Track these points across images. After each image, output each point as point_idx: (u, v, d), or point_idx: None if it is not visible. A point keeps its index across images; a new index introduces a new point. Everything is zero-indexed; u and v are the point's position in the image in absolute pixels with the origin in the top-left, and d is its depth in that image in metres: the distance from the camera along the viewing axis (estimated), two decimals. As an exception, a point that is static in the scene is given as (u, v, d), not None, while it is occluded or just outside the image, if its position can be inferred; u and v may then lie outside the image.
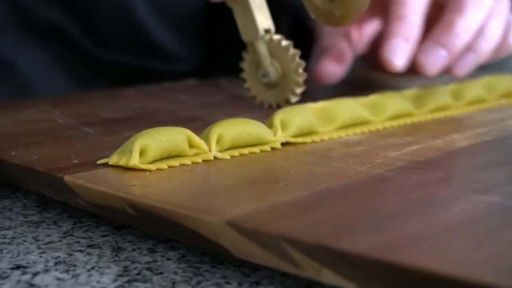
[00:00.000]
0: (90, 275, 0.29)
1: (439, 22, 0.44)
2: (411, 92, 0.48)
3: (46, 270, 0.29)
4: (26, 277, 0.29)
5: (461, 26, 0.43)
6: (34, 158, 0.36)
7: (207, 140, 0.37)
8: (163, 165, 0.34)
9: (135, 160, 0.34)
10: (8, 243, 0.32)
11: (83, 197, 0.33)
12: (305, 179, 0.33)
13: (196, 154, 0.36)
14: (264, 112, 0.49)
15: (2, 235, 0.33)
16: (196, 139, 0.36)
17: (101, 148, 0.38)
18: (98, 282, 0.28)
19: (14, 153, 0.37)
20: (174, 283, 0.28)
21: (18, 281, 0.28)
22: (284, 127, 0.40)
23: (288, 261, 0.26)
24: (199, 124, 0.41)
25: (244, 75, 0.48)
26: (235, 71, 0.69)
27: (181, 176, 0.34)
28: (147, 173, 0.34)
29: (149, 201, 0.30)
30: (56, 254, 0.31)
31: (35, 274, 0.29)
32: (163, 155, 0.35)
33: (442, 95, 0.49)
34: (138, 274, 0.29)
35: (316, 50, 0.50)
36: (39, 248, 0.32)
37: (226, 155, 0.37)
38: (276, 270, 0.28)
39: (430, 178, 0.33)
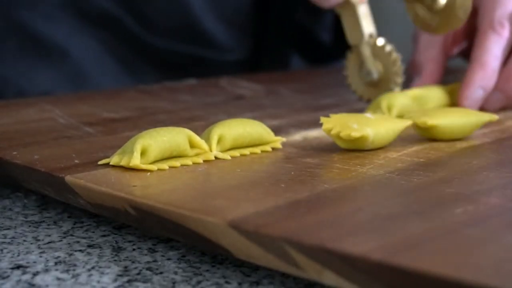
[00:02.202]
0: (90, 275, 0.29)
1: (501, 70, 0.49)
2: (412, 92, 0.48)
3: (46, 270, 0.29)
4: (26, 276, 0.29)
5: None
6: (35, 158, 0.36)
7: (208, 140, 0.37)
8: (164, 165, 0.34)
9: (136, 161, 0.34)
10: (9, 243, 0.32)
11: (84, 197, 0.33)
12: (306, 180, 0.33)
13: (197, 154, 0.36)
14: (264, 112, 0.49)
15: (3, 235, 0.33)
16: (197, 139, 0.36)
17: (102, 148, 0.38)
18: (98, 282, 0.28)
19: (15, 152, 0.37)
20: (174, 283, 0.28)
21: (19, 281, 0.28)
22: None
23: (289, 263, 0.26)
24: (200, 124, 0.41)
25: (347, 72, 0.51)
26: (282, 62, 0.71)
27: (182, 177, 0.34)
28: (148, 173, 0.34)
29: (150, 201, 0.30)
30: (56, 254, 0.31)
31: (35, 274, 0.29)
32: (164, 155, 0.35)
33: (441, 95, 0.49)
34: (138, 274, 0.29)
35: (411, 59, 0.55)
36: (39, 248, 0.32)
37: (227, 156, 0.37)
38: (276, 270, 0.28)
39: (431, 179, 0.33)
